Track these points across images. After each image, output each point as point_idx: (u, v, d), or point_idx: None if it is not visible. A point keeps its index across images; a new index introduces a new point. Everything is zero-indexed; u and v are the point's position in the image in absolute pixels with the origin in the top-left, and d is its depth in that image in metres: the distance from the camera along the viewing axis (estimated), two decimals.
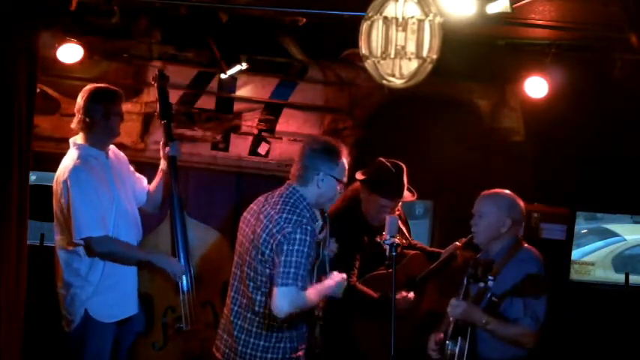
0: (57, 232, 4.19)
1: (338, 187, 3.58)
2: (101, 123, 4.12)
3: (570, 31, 4.71)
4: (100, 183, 4.09)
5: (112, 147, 4.33)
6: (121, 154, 4.44)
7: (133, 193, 4.37)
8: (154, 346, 4.25)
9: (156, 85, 4.48)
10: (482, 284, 3.57)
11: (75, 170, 4.02)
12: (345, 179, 3.62)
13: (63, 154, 4.19)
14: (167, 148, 4.37)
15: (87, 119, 4.10)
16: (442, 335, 3.82)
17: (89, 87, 4.20)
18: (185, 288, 4.25)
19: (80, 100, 4.13)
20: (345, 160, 3.58)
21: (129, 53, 5.22)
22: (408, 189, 4.42)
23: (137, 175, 4.50)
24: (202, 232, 4.41)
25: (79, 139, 4.17)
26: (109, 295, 4.15)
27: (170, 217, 4.33)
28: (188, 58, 5.35)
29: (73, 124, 4.17)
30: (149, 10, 4.88)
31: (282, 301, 3.32)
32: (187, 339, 4.25)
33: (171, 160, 4.36)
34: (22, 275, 4.21)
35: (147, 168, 4.74)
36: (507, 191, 3.84)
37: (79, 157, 4.08)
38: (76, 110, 4.16)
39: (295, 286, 3.32)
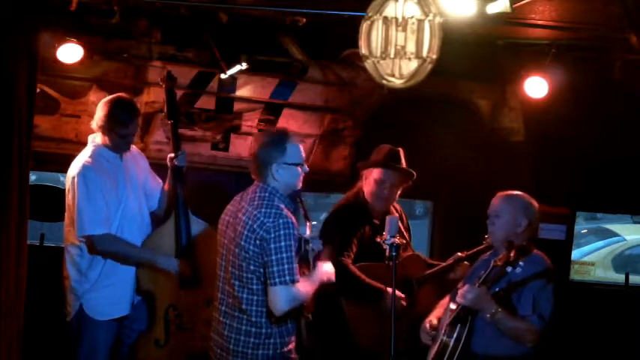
0: (66, 224, 4.26)
1: (299, 170, 3.53)
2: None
3: (570, 31, 4.71)
4: (107, 183, 4.16)
5: (133, 148, 4.40)
6: (141, 156, 4.50)
7: (144, 197, 4.40)
8: (157, 344, 4.27)
9: (164, 86, 4.49)
10: (510, 268, 3.56)
11: (84, 169, 4.11)
12: (301, 160, 3.55)
13: (63, 154, 4.20)
14: (172, 157, 4.37)
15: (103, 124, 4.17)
16: (435, 321, 3.85)
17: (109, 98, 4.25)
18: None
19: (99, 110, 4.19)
20: (294, 143, 3.52)
21: (129, 53, 5.22)
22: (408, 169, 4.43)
23: (156, 180, 4.50)
24: (208, 231, 4.41)
25: (97, 137, 4.24)
26: (104, 293, 4.20)
27: (174, 217, 4.35)
28: (188, 58, 5.35)
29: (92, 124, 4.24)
30: (149, 10, 4.88)
31: (282, 298, 3.38)
32: (189, 337, 4.26)
33: (177, 169, 4.38)
34: (22, 275, 4.20)
35: None
36: (523, 193, 3.85)
37: (90, 156, 4.17)
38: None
39: (292, 282, 3.38)
